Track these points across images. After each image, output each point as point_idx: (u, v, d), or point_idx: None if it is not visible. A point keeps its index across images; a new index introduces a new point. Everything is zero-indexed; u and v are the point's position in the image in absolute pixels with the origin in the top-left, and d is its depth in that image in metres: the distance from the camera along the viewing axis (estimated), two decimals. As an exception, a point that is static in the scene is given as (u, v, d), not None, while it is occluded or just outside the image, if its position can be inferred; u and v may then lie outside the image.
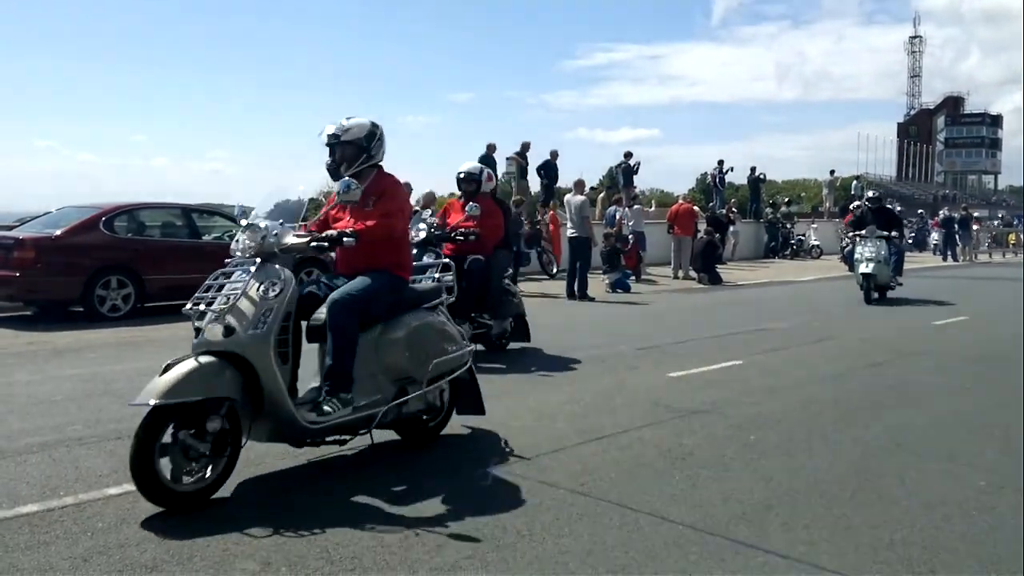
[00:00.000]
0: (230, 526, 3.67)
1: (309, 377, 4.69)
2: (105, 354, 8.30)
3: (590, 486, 4.28)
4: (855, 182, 38.03)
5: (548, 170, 21.42)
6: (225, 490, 4.14)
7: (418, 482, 4.33)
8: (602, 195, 23.09)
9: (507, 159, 20.91)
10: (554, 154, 21.79)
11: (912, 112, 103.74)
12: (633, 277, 17.01)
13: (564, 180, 21.88)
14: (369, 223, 4.62)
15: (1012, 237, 38.62)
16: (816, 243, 27.89)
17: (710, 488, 4.30)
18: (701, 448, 5.02)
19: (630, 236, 18.05)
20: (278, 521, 3.74)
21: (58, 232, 10.83)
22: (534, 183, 21.60)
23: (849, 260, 17.90)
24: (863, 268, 13.45)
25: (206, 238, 12.47)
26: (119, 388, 6.57)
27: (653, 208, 28.30)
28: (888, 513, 3.97)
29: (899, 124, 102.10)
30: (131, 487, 4.14)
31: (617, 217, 18.06)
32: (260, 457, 4.71)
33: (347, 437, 4.53)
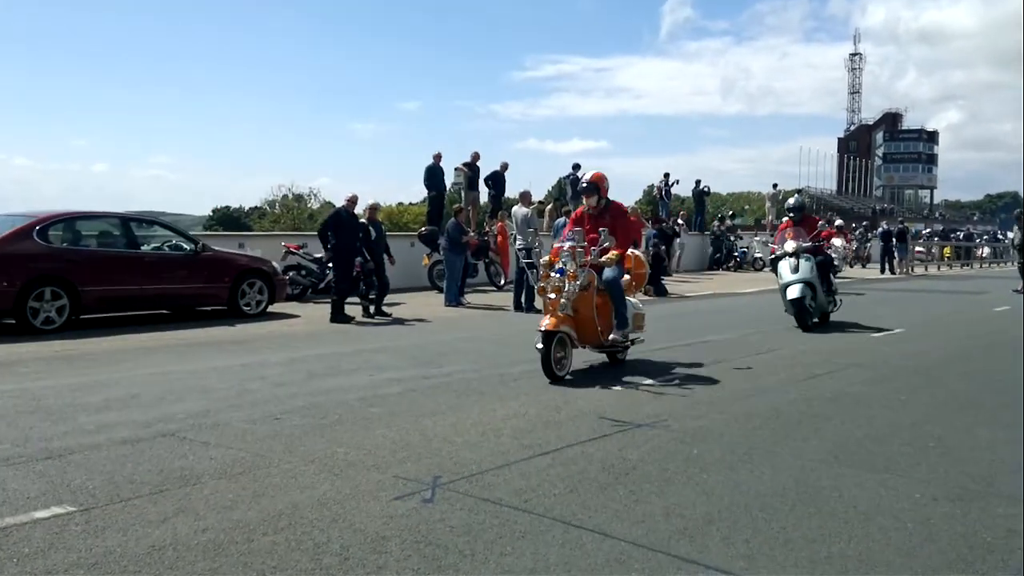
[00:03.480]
0: (163, 549, 3.57)
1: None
2: (37, 369, 8.05)
3: (534, 503, 4.26)
4: (796, 195, 38.80)
5: (496, 181, 21.42)
6: (159, 512, 4.04)
7: (358, 500, 4.26)
8: (550, 206, 23.19)
9: (455, 169, 20.89)
10: (504, 166, 21.81)
11: (852, 127, 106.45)
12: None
13: (512, 191, 21.93)
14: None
15: (947, 250, 39.75)
16: (759, 256, 28.37)
17: (653, 503, 4.31)
18: (644, 462, 5.04)
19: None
20: (214, 543, 3.65)
21: (-11, 241, 10.50)
22: (483, 194, 21.61)
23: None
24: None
25: (144, 248, 12.22)
26: (50, 405, 6.38)
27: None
28: (826, 526, 4.02)
29: (839, 139, 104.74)
30: (60, 510, 4.04)
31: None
32: (196, 477, 4.61)
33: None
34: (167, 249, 12.53)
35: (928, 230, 48.92)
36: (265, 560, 3.49)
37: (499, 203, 21.59)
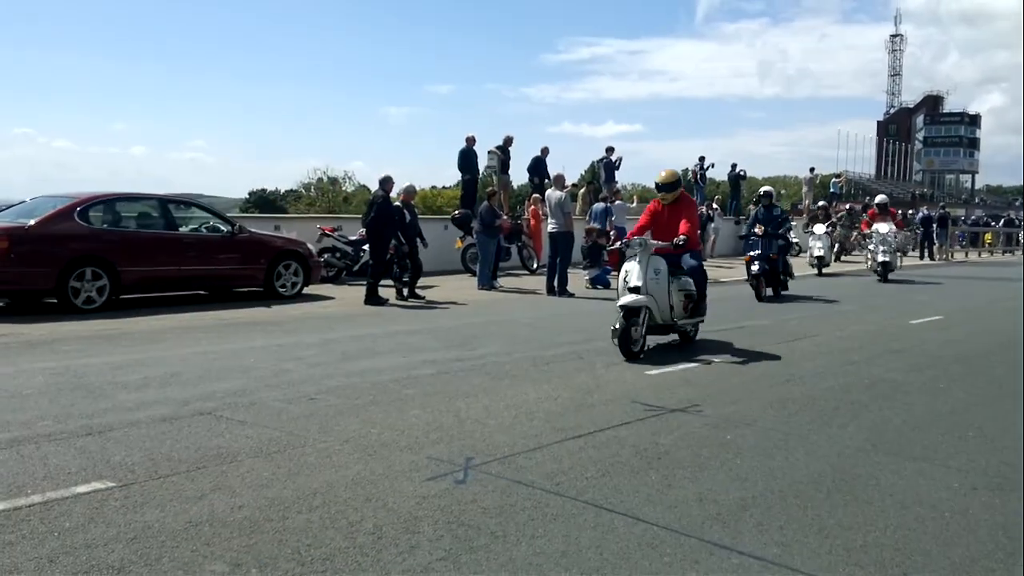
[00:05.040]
0: (200, 525, 3.62)
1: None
2: (78, 347, 8.20)
3: (566, 486, 4.26)
4: (834, 179, 38.22)
5: (537, 167, 21.26)
6: (196, 488, 4.10)
7: (392, 480, 4.29)
8: (583, 190, 23.08)
9: (488, 153, 20.85)
10: (544, 151, 21.65)
11: (892, 110, 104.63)
12: (614, 273, 16.99)
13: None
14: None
15: (988, 237, 38.99)
16: (795, 240, 27.92)
17: (686, 488, 4.29)
18: (677, 447, 5.02)
19: (612, 232, 18.02)
20: (249, 520, 3.70)
21: (32, 222, 10.69)
22: (516, 177, 21.56)
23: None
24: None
25: (183, 229, 12.37)
26: (91, 382, 6.49)
27: (635, 203, 28.31)
28: (862, 514, 3.98)
29: (879, 122, 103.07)
30: (100, 485, 4.11)
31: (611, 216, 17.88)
32: (233, 455, 4.67)
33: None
34: (204, 231, 12.66)
35: (941, 212, 37.55)
36: (300, 538, 3.53)
37: (540, 190, 21.51)
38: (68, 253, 10.67)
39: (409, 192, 14.26)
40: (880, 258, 18.07)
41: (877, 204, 20.22)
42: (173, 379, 6.70)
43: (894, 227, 18.66)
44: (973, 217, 48.90)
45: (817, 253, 20.08)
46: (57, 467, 4.41)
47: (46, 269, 10.49)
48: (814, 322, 11.08)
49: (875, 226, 18.70)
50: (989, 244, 37.98)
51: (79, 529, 3.57)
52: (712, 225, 24.65)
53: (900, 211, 37.47)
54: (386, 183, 13.25)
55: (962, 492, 4.34)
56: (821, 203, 26.04)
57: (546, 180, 21.36)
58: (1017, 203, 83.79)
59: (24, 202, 12.16)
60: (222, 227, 12.73)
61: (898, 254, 18.89)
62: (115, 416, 5.47)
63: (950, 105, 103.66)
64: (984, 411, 6.18)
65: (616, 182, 23.36)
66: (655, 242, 8.59)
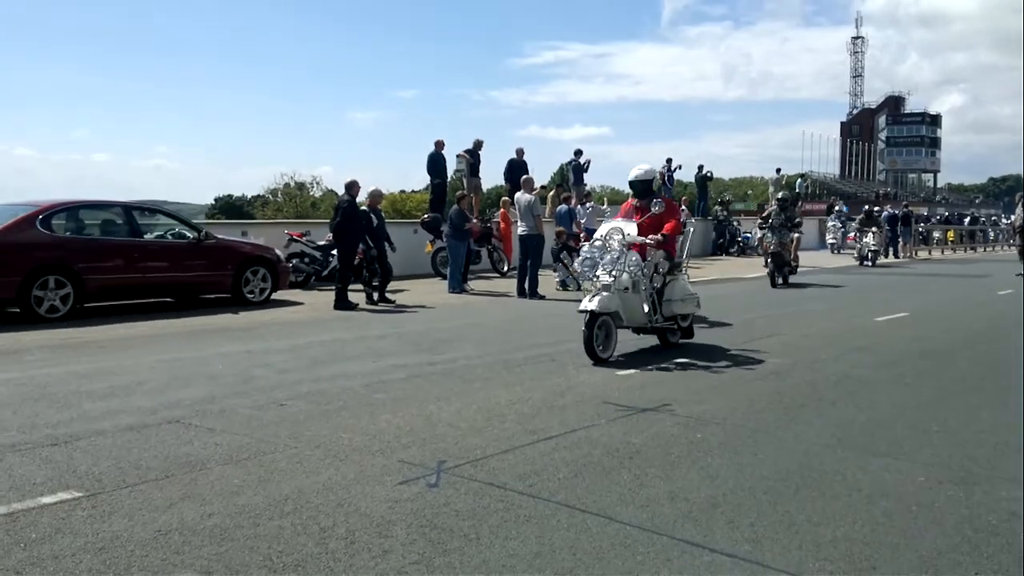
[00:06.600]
0: (169, 534, 3.59)
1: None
2: (42, 357, 8.07)
3: (538, 487, 4.27)
4: (799, 180, 38.66)
5: (513, 169, 21.16)
6: (165, 497, 4.05)
7: (363, 485, 4.27)
8: (551, 193, 23.14)
9: (456, 156, 20.82)
10: (519, 152, 21.59)
11: (855, 111, 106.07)
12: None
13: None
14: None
15: (951, 234, 39.66)
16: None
17: (657, 487, 4.32)
18: (648, 447, 5.05)
19: (582, 234, 18.06)
20: (220, 527, 3.66)
21: (-7, 230, 10.50)
22: (487, 180, 21.52)
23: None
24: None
25: (147, 237, 12.21)
26: (56, 392, 6.39)
27: (606, 205, 28.41)
28: (830, 509, 4.03)
29: (842, 123, 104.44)
30: (67, 495, 4.05)
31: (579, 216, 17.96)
32: (202, 462, 4.62)
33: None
34: (170, 237, 12.53)
35: (905, 211, 32.37)
36: (271, 544, 3.50)
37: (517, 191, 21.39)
38: (31, 261, 10.50)
39: (375, 196, 14.20)
40: (584, 305, 7.92)
41: (631, 181, 9.26)
42: (140, 387, 6.62)
43: (632, 231, 8.55)
44: (946, 215, 49.61)
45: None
46: (22, 477, 4.34)
47: (8, 278, 10.30)
48: (781, 320, 11.18)
49: (600, 230, 9.03)
50: (952, 242, 38.65)
51: (46, 540, 3.52)
52: (681, 225, 24.76)
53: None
54: (351, 188, 13.21)
55: (927, 486, 4.41)
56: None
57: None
58: (977, 201, 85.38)
59: (-15, 210, 11.94)
60: (188, 233, 12.59)
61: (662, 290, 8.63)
62: (81, 425, 5.39)
63: (911, 105, 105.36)
64: (948, 406, 6.29)
65: (585, 184, 23.43)
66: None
